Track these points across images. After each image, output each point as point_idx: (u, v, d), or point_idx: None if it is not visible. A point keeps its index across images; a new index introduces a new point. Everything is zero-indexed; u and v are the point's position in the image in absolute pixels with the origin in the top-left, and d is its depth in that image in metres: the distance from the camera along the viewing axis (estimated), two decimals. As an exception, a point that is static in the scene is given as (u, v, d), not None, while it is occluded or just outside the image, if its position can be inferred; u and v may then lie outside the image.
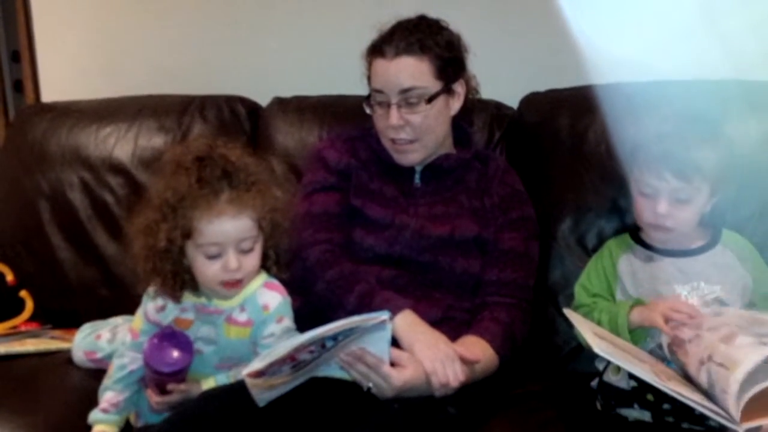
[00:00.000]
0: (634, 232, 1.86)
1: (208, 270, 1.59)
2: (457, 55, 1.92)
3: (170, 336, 1.65)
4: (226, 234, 1.57)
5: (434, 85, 1.87)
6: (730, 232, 1.81)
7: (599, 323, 1.73)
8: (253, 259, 1.62)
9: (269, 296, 1.67)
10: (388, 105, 1.87)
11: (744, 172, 1.88)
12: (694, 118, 1.75)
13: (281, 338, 1.64)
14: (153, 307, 1.68)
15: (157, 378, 1.65)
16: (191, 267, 1.61)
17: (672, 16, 2.27)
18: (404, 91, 1.85)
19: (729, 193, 1.79)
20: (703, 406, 1.44)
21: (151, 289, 1.68)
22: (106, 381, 1.72)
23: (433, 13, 1.93)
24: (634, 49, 2.22)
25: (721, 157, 1.70)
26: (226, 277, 1.59)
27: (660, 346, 1.67)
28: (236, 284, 1.62)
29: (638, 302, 1.72)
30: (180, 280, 1.61)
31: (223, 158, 1.61)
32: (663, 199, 1.70)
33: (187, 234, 1.57)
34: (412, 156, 1.92)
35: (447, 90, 1.90)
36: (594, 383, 1.73)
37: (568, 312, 1.72)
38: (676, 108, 1.81)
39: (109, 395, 1.70)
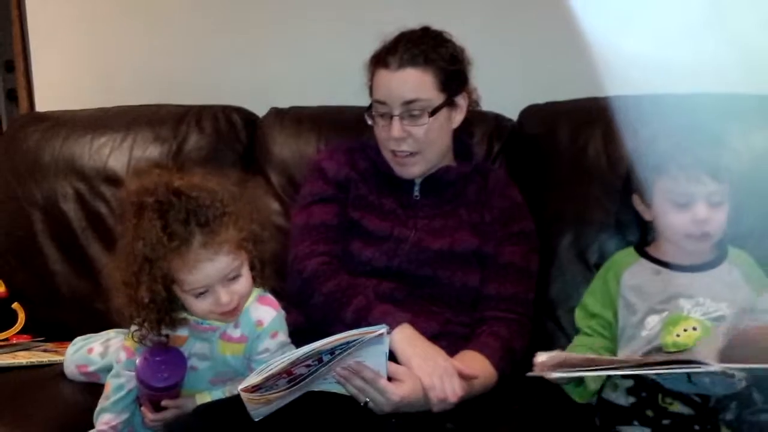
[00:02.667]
0: (639, 247, 1.85)
1: (200, 307, 1.58)
2: (460, 68, 1.91)
3: (162, 351, 1.63)
4: (209, 277, 1.55)
5: (437, 98, 1.86)
6: (736, 249, 1.81)
7: None
8: (243, 284, 1.60)
9: (263, 311, 1.66)
10: (390, 116, 1.86)
11: (746, 186, 1.87)
12: (701, 127, 1.76)
13: (276, 353, 1.63)
14: None
15: (150, 394, 1.64)
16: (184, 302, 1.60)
17: (676, 22, 2.27)
18: (407, 102, 1.84)
19: (731, 206, 1.78)
20: (666, 365, 1.46)
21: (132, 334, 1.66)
22: (104, 402, 1.70)
23: (432, 25, 1.93)
24: (636, 61, 2.21)
25: (734, 158, 1.72)
26: (219, 311, 1.58)
27: (658, 348, 1.67)
28: (233, 312, 1.60)
29: None
30: (169, 321, 1.59)
31: (182, 196, 1.55)
32: (701, 204, 1.69)
33: (170, 282, 1.55)
34: (413, 168, 1.92)
35: (450, 103, 1.90)
36: (593, 400, 1.71)
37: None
38: (682, 119, 1.81)
39: (107, 417, 1.69)
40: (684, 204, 1.71)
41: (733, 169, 1.71)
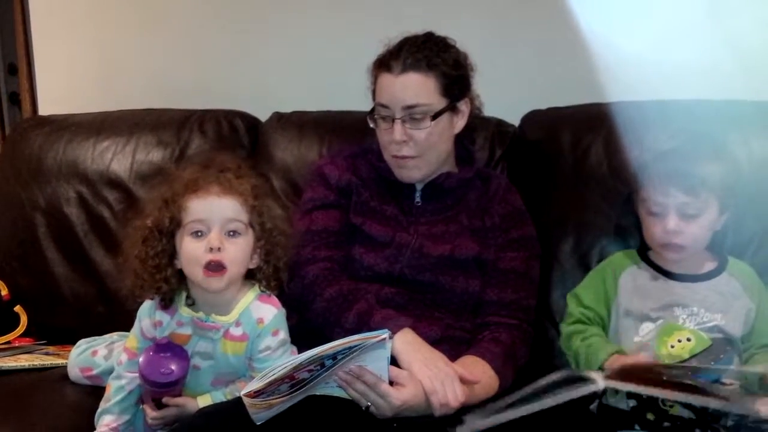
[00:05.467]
0: (641, 251, 1.86)
1: (191, 250, 1.58)
2: (463, 74, 1.92)
3: (166, 347, 1.64)
4: (211, 210, 1.58)
5: (439, 103, 1.87)
6: (736, 260, 1.82)
7: (576, 352, 1.76)
8: (238, 248, 1.61)
9: (264, 310, 1.66)
10: (393, 120, 1.86)
11: (745, 194, 1.87)
12: (696, 136, 1.77)
13: (277, 351, 1.64)
14: (150, 323, 1.67)
15: (153, 390, 1.64)
16: (179, 258, 1.62)
17: (678, 28, 2.28)
18: (409, 107, 1.84)
19: (730, 215, 1.78)
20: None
21: (147, 304, 1.68)
22: (105, 404, 1.70)
23: (435, 31, 1.93)
24: (637, 67, 2.23)
25: (727, 171, 1.72)
26: (208, 257, 1.57)
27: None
28: (217, 272, 1.59)
29: (620, 351, 1.72)
30: (164, 274, 1.61)
31: (223, 161, 1.66)
32: (671, 215, 1.71)
33: (178, 221, 1.59)
34: (414, 172, 1.92)
35: (452, 108, 1.90)
36: (593, 406, 1.72)
37: None
38: (678, 126, 1.83)
39: (108, 419, 1.69)
40: (657, 213, 1.73)
41: (716, 183, 1.70)
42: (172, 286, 1.63)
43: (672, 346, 1.71)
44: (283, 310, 1.69)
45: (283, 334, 1.67)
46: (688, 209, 1.70)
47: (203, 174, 1.62)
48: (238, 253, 1.61)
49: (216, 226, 1.58)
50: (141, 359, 1.63)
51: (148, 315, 1.67)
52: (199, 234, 1.59)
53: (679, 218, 1.70)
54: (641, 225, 1.83)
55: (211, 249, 1.57)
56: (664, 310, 1.75)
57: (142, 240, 1.61)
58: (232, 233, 1.60)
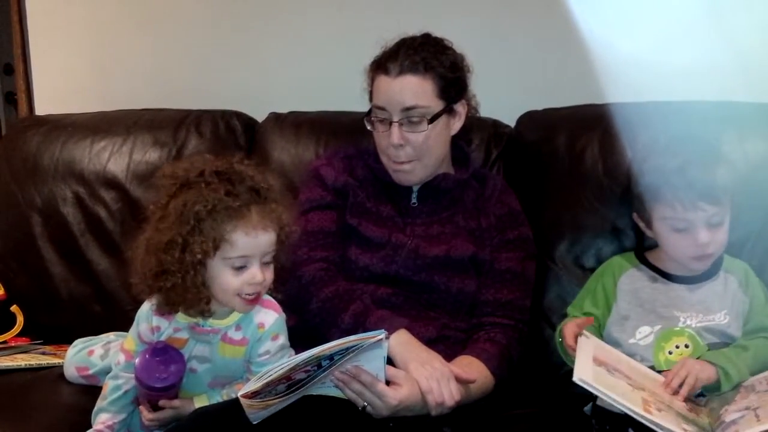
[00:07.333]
0: (638, 252, 1.86)
1: (232, 283, 1.58)
2: (460, 76, 1.92)
3: (162, 351, 1.63)
4: (258, 247, 1.57)
5: (436, 105, 1.87)
6: (731, 258, 1.81)
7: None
8: (272, 273, 1.62)
9: (265, 314, 1.66)
10: (390, 123, 1.86)
11: (741, 193, 1.88)
12: (696, 140, 1.76)
13: (276, 356, 1.64)
14: (147, 328, 1.67)
15: (148, 394, 1.64)
16: (210, 281, 1.59)
17: (675, 29, 2.28)
18: (406, 109, 1.84)
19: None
20: None
21: (145, 307, 1.67)
22: (101, 402, 1.70)
23: (432, 31, 1.93)
24: (633, 68, 2.23)
25: (728, 170, 1.73)
26: (250, 290, 1.58)
27: None
28: (256, 299, 1.61)
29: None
30: (182, 297, 1.58)
31: (243, 173, 1.61)
32: (702, 229, 1.70)
33: (217, 246, 1.55)
34: (411, 176, 1.92)
35: (449, 110, 1.90)
36: (587, 408, 1.72)
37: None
38: (675, 131, 1.83)
39: (104, 417, 1.69)
40: (684, 229, 1.71)
41: (730, 186, 1.71)
42: (200, 304, 1.60)
43: (670, 353, 1.71)
44: (284, 315, 1.69)
45: (283, 339, 1.67)
46: (715, 218, 1.70)
47: (241, 196, 1.57)
48: (272, 276, 1.62)
49: (256, 260, 1.58)
50: (137, 362, 1.63)
51: (146, 320, 1.67)
52: (241, 267, 1.58)
53: (707, 229, 1.70)
54: (647, 234, 1.83)
55: (254, 283, 1.58)
56: (663, 311, 1.75)
57: (184, 270, 1.55)
58: (267, 262, 1.60)
